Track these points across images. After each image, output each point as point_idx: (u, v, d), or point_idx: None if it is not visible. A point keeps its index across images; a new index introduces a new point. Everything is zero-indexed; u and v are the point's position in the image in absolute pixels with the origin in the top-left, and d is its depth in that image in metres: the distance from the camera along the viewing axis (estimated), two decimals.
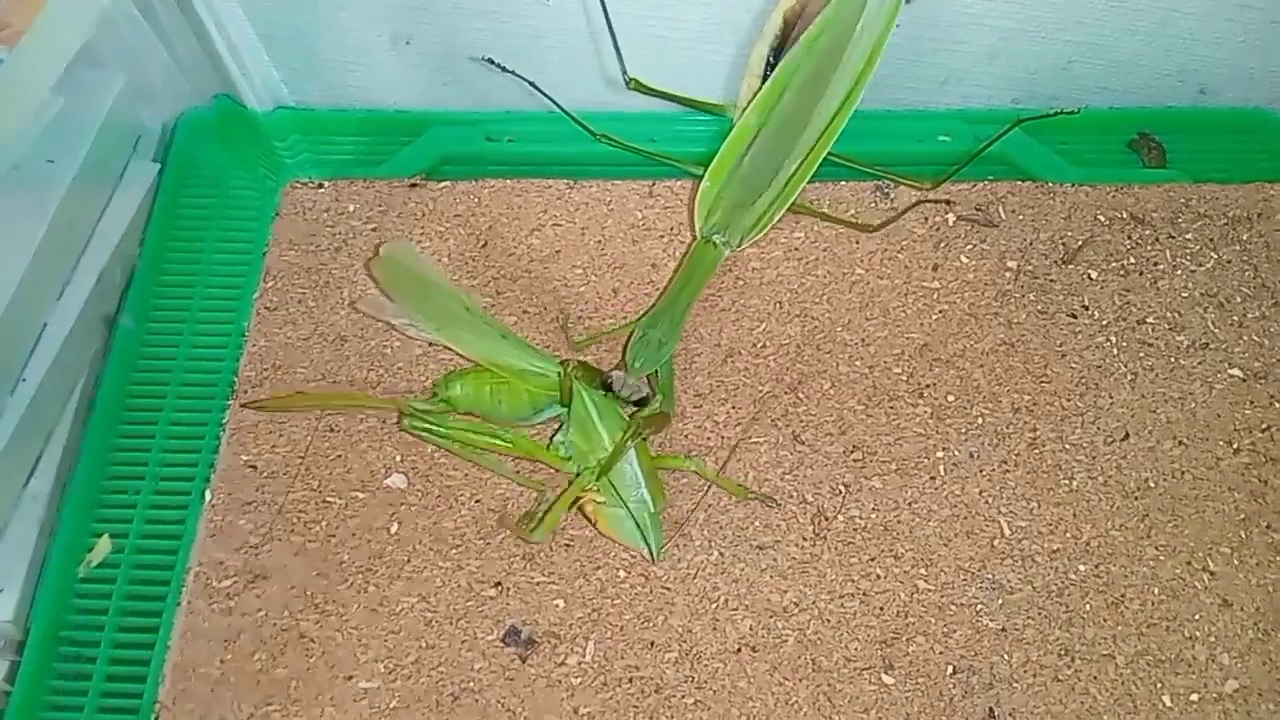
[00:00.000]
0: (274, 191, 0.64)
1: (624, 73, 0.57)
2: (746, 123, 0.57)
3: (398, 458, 0.56)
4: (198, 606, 0.52)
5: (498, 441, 0.54)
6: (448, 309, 0.55)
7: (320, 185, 0.64)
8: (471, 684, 0.50)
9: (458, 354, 0.56)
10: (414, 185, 0.64)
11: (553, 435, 0.55)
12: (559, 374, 0.53)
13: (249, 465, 0.56)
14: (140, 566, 0.54)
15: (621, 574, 0.53)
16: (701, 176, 0.58)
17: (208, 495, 0.55)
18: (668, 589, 0.53)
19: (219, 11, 0.61)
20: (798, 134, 0.57)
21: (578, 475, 0.53)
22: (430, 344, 0.58)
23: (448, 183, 0.64)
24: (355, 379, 0.58)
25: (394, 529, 0.54)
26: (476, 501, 0.55)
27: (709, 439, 0.56)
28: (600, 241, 0.62)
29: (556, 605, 0.52)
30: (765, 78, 0.58)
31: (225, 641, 0.51)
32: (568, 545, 0.54)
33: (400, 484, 0.55)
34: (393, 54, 0.64)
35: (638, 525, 0.52)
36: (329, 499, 0.55)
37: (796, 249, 0.62)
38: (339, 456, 0.56)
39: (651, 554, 0.52)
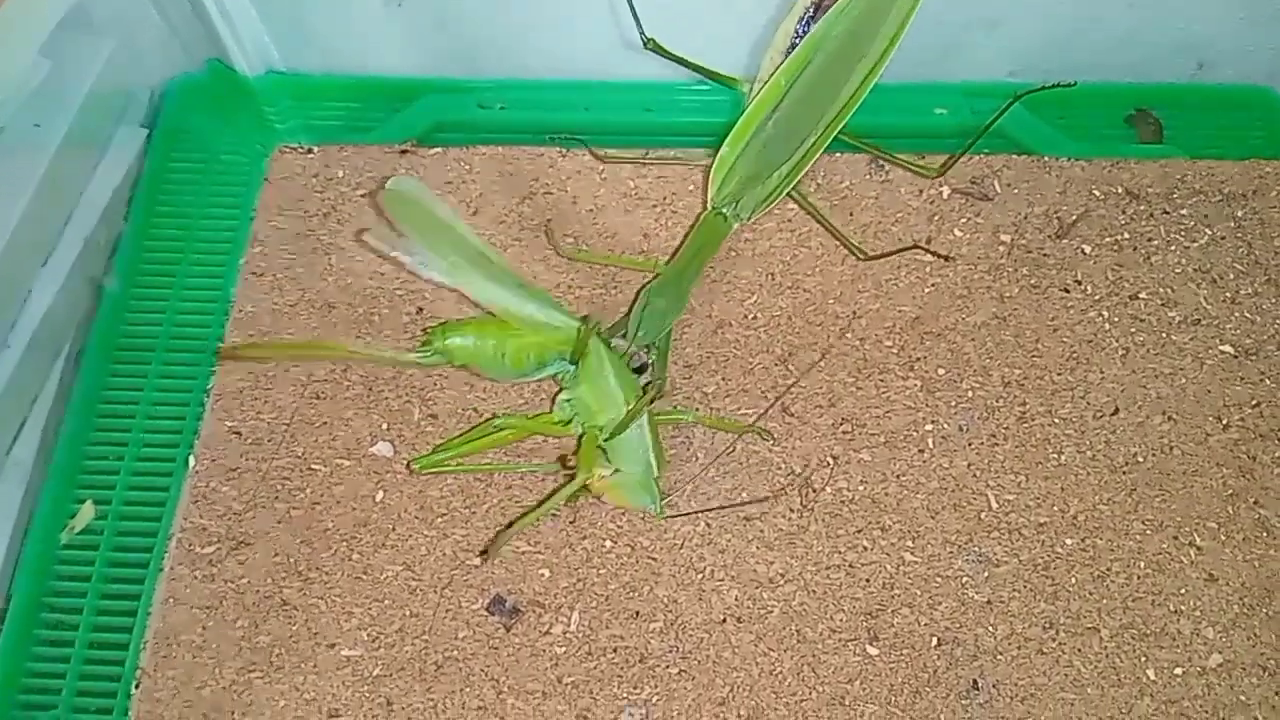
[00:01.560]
0: (262, 157, 0.64)
1: (641, 33, 0.55)
2: (767, 94, 0.56)
3: (384, 425, 0.55)
4: (180, 573, 0.52)
5: (502, 434, 0.53)
6: (462, 252, 0.52)
7: (309, 151, 0.64)
8: (455, 653, 0.50)
9: (470, 300, 0.53)
10: (404, 152, 0.64)
11: (554, 398, 0.54)
12: (579, 329, 0.51)
13: (233, 431, 0.55)
14: (123, 533, 0.54)
15: (607, 544, 0.53)
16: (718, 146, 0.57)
17: (191, 462, 0.54)
18: (654, 559, 0.53)
19: None
20: (817, 109, 0.56)
21: (583, 434, 0.52)
22: (440, 286, 0.54)
23: (439, 149, 0.64)
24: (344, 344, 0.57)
25: (379, 497, 0.54)
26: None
27: (698, 409, 0.56)
28: (593, 210, 0.62)
29: (542, 574, 0.52)
30: (789, 54, 0.57)
31: (208, 608, 0.51)
32: (553, 514, 0.53)
33: (386, 452, 0.55)
34: (385, 19, 0.63)
35: (642, 487, 0.51)
36: (314, 466, 0.54)
37: (789, 220, 0.61)
38: (324, 423, 0.55)
39: (659, 511, 0.52)
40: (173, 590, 0.52)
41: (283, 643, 0.51)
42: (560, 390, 0.54)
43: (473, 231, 0.52)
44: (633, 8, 0.54)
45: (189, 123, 0.65)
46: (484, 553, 0.52)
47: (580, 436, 0.52)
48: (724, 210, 0.56)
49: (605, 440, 0.51)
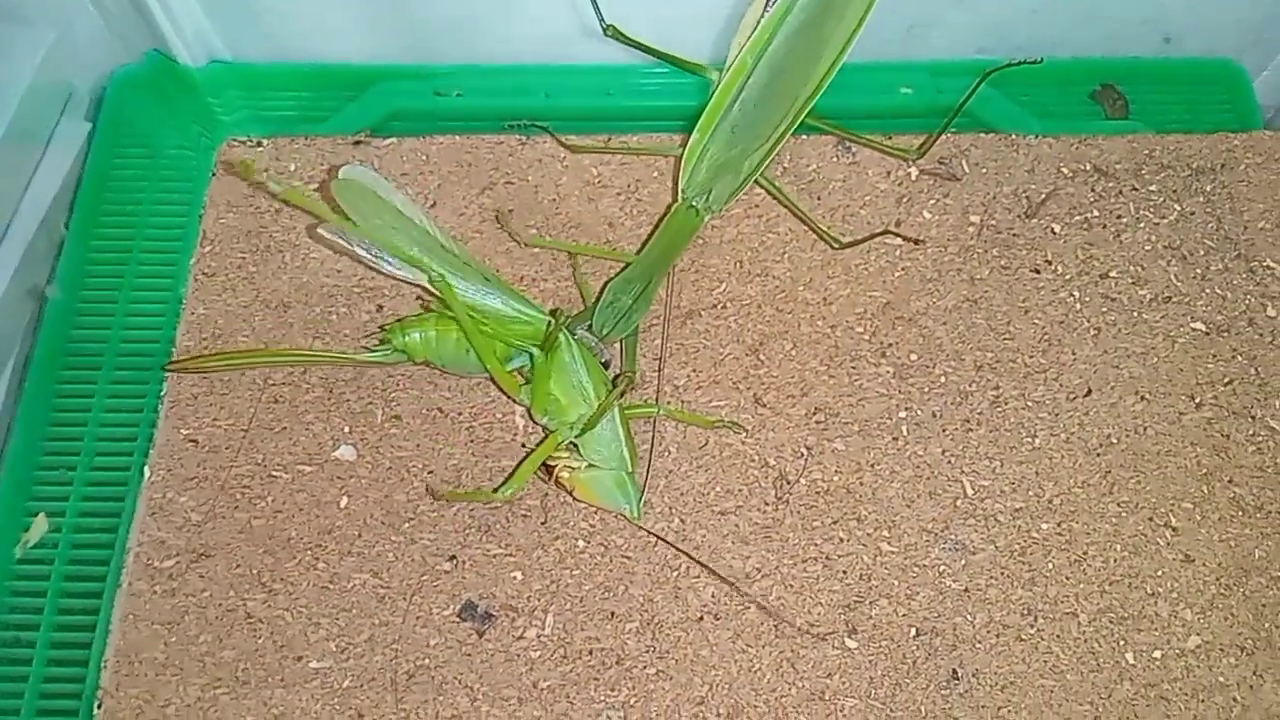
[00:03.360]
0: (210, 151, 0.61)
1: (600, 20, 0.53)
2: (733, 77, 0.54)
3: (346, 429, 0.54)
4: (140, 588, 0.50)
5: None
6: (422, 243, 0.50)
7: (259, 143, 0.62)
8: (427, 661, 0.49)
9: (431, 295, 0.51)
10: (358, 142, 0.62)
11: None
12: (548, 323, 0.50)
13: (189, 439, 0.53)
14: (79, 546, 0.52)
15: (581, 544, 0.52)
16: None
17: (147, 472, 0.53)
18: (628, 558, 0.52)
19: None
20: (785, 90, 0.54)
21: (551, 431, 0.51)
22: (400, 281, 0.53)
23: (394, 139, 0.62)
24: (299, 346, 0.56)
25: (343, 503, 0.52)
26: (430, 473, 0.53)
27: (669, 403, 0.55)
28: (555, 200, 0.60)
29: (514, 577, 0.51)
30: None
31: (169, 624, 0.50)
32: (524, 515, 0.52)
33: (349, 456, 0.53)
34: (335, 4, 0.61)
35: (616, 486, 0.50)
36: (274, 473, 0.53)
37: (757, 206, 0.60)
38: (284, 428, 0.54)
39: (634, 513, 0.51)
40: (132, 606, 0.50)
41: (248, 657, 0.49)
42: (526, 383, 0.52)
43: (432, 221, 0.50)
44: None
45: (132, 118, 0.63)
46: (452, 557, 0.51)
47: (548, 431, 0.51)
48: (695, 203, 0.54)
49: (576, 436, 0.50)
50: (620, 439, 0.50)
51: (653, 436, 0.53)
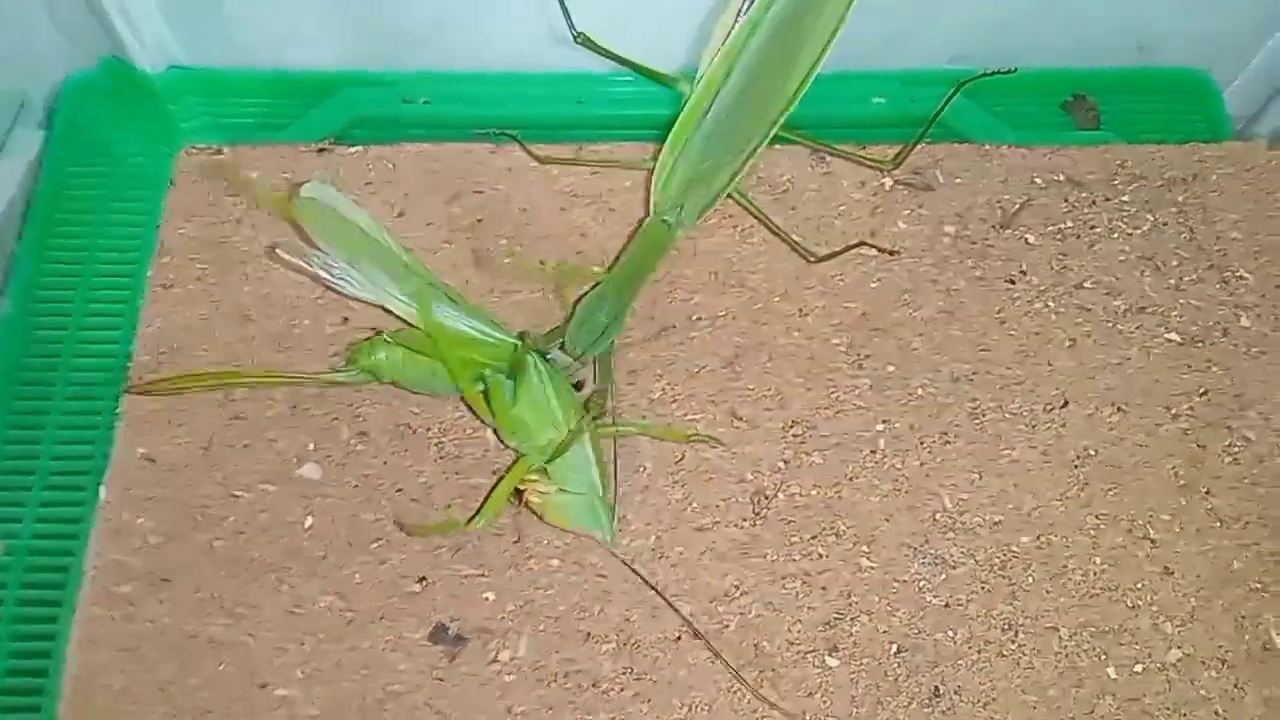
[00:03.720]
0: (168, 159, 0.59)
1: (571, 27, 0.52)
2: (704, 88, 0.53)
3: (311, 446, 0.52)
4: (96, 613, 0.48)
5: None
6: (385, 264, 0.49)
7: (219, 151, 0.60)
8: (398, 686, 0.48)
9: (397, 318, 0.51)
10: (322, 150, 0.60)
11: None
12: (515, 345, 0.49)
13: (147, 458, 0.51)
14: (33, 570, 0.50)
15: (555, 563, 0.50)
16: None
17: (103, 492, 0.51)
18: (603, 577, 0.50)
19: None
20: (758, 100, 0.53)
21: (522, 455, 0.50)
22: (363, 303, 0.52)
23: (359, 147, 0.60)
24: (262, 361, 0.54)
25: (309, 523, 0.51)
26: (398, 491, 0.51)
27: (644, 417, 0.53)
28: (526, 210, 0.59)
29: (486, 599, 0.50)
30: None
31: (128, 650, 0.48)
32: (497, 534, 0.51)
33: (315, 474, 0.52)
34: (298, 8, 0.59)
35: (588, 510, 0.49)
36: (236, 492, 0.51)
37: (731, 217, 0.59)
38: (246, 446, 0.52)
39: (608, 537, 0.49)
40: (89, 632, 0.48)
41: (211, 684, 0.47)
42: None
43: (397, 241, 0.49)
44: (562, 3, 0.51)
45: (88, 125, 0.60)
46: (422, 578, 0.50)
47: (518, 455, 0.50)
48: (667, 218, 0.53)
49: (546, 462, 0.48)
50: (591, 463, 0.49)
51: (615, 455, 0.51)
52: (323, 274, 0.49)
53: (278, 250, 0.50)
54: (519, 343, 0.49)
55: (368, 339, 0.50)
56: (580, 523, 0.49)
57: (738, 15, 0.52)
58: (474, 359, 0.49)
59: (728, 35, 0.52)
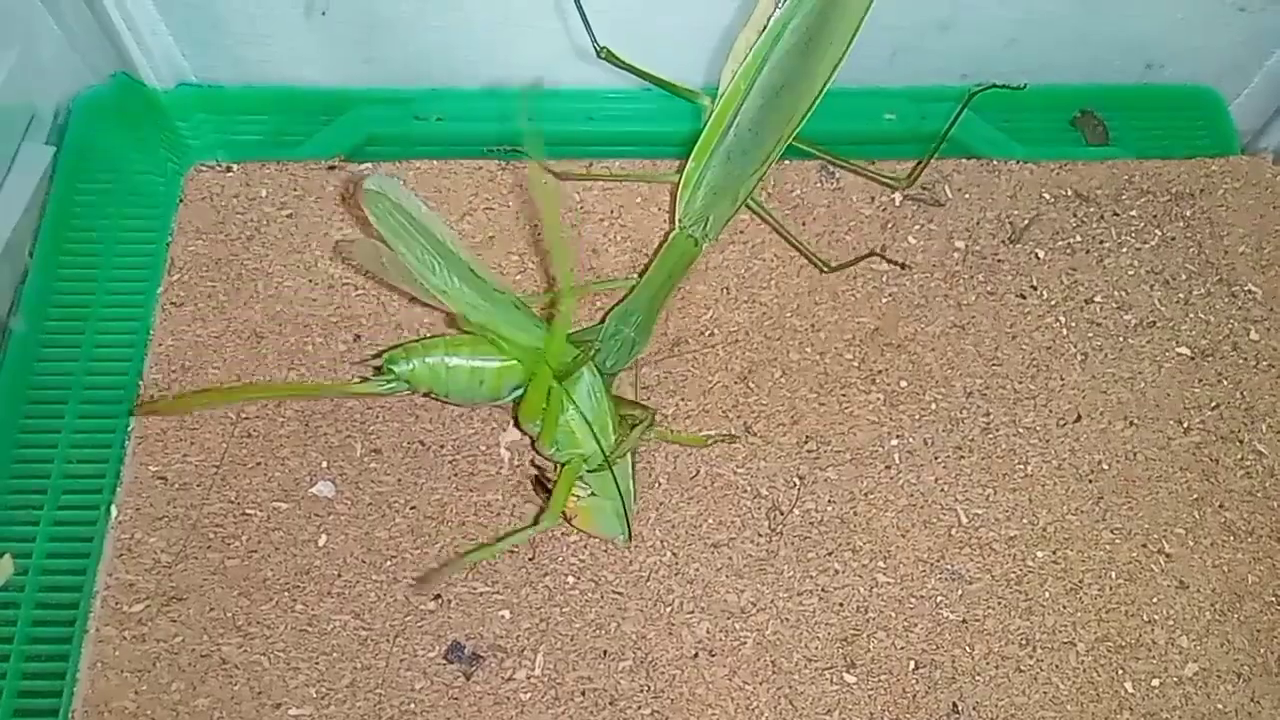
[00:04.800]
0: (178, 176, 0.59)
1: (594, 42, 0.52)
2: (726, 103, 0.53)
3: (324, 464, 0.52)
4: (108, 634, 0.48)
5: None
6: (450, 265, 0.46)
7: (228, 169, 0.60)
8: (413, 706, 0.47)
9: (455, 321, 0.49)
10: (332, 167, 0.60)
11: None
12: (576, 356, 0.48)
13: (158, 477, 0.51)
14: (46, 589, 0.50)
15: (570, 580, 0.50)
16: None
17: (114, 511, 0.50)
18: (619, 593, 0.50)
19: None
20: (777, 114, 0.53)
21: (566, 461, 0.49)
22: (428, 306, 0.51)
23: (370, 164, 0.60)
24: (273, 379, 0.54)
25: (322, 541, 0.50)
26: (412, 508, 0.51)
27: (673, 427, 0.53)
28: (536, 226, 0.59)
29: (502, 616, 0.49)
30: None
31: (140, 671, 0.47)
32: (511, 551, 0.50)
33: (327, 492, 0.51)
34: (308, 25, 0.59)
35: (615, 515, 0.49)
36: (249, 511, 0.51)
37: (742, 232, 0.59)
38: (258, 464, 0.52)
39: (626, 539, 0.50)
40: (101, 653, 0.48)
41: (223, 705, 0.47)
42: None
43: (460, 242, 0.48)
44: (584, 16, 0.51)
45: (97, 142, 0.60)
46: (437, 596, 0.49)
47: (560, 466, 0.49)
48: (693, 232, 0.53)
49: (591, 470, 0.48)
50: (629, 473, 0.49)
51: (633, 464, 0.51)
52: (395, 278, 0.48)
53: (351, 252, 0.49)
54: (580, 353, 0.48)
55: (403, 346, 0.48)
56: (608, 529, 0.49)
57: (760, 32, 0.52)
58: (520, 367, 0.48)
59: (748, 51, 0.52)
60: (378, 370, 0.49)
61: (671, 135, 0.61)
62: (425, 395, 0.51)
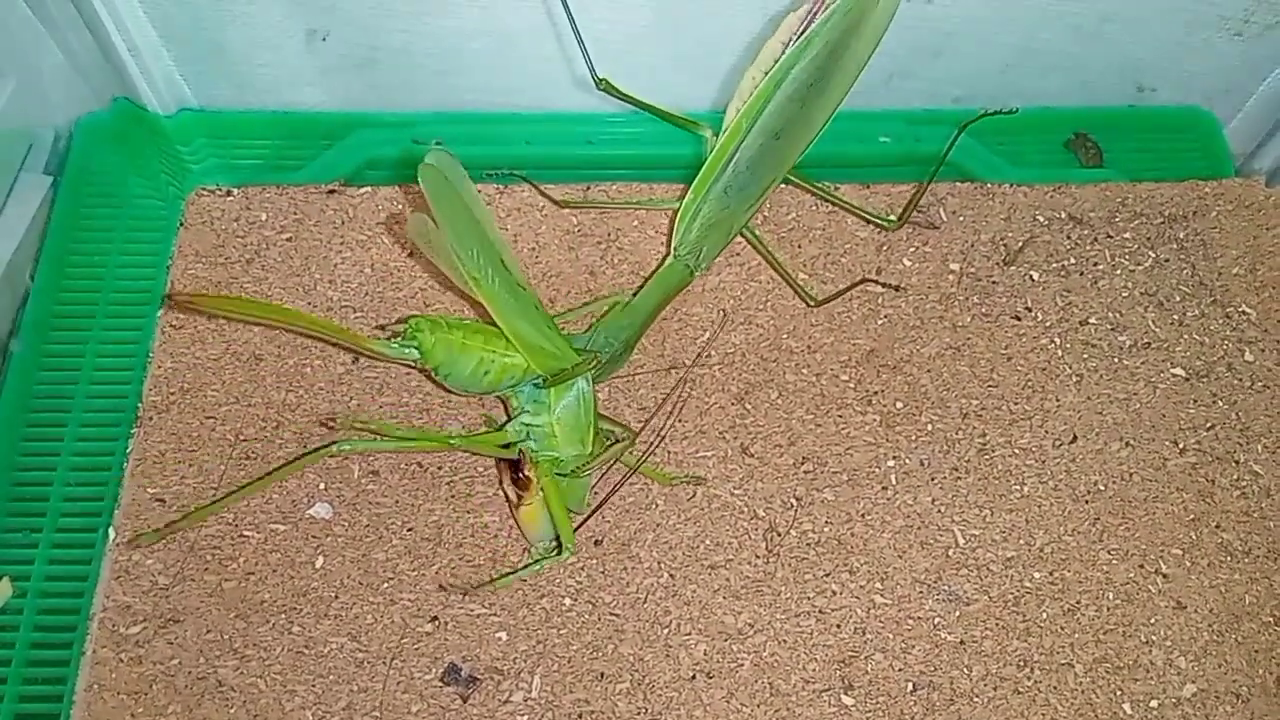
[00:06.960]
0: (178, 200, 0.60)
1: (593, 73, 0.53)
2: (728, 140, 0.53)
3: (321, 485, 0.52)
4: (105, 656, 0.48)
5: (439, 443, 0.51)
6: (486, 254, 0.46)
7: (229, 193, 0.60)
8: None
9: (482, 311, 0.48)
10: (332, 191, 0.60)
11: (506, 421, 0.51)
12: (578, 362, 0.49)
13: (156, 499, 0.51)
14: (45, 612, 0.50)
15: (567, 601, 0.50)
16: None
17: (112, 533, 0.50)
18: (616, 615, 0.50)
19: (116, 6, 0.56)
20: (777, 152, 0.54)
21: (536, 461, 0.49)
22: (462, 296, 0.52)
23: (369, 188, 0.61)
24: (272, 401, 0.54)
25: (319, 563, 0.50)
26: (409, 530, 0.51)
27: (654, 455, 0.53)
28: (535, 249, 0.59)
29: (498, 638, 0.49)
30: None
31: (136, 694, 0.47)
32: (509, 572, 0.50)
33: (325, 514, 0.51)
34: (307, 51, 0.60)
35: (564, 524, 0.49)
36: (246, 533, 0.51)
37: (738, 255, 0.59)
38: None
39: (557, 552, 0.49)
40: (97, 675, 0.48)
41: None
42: (520, 412, 0.50)
43: (497, 231, 0.48)
44: (584, 48, 0.52)
45: (99, 166, 0.61)
46: (434, 618, 0.49)
47: (535, 464, 0.49)
48: (688, 262, 0.54)
49: (574, 474, 0.49)
50: (589, 487, 0.51)
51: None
52: (439, 258, 0.47)
53: (405, 227, 0.48)
54: (583, 360, 0.49)
55: (429, 317, 0.48)
56: (539, 534, 0.50)
57: (766, 73, 0.53)
58: (526, 366, 0.48)
59: (753, 90, 0.53)
60: (400, 335, 0.48)
61: (670, 159, 0.61)
62: (423, 372, 0.51)
